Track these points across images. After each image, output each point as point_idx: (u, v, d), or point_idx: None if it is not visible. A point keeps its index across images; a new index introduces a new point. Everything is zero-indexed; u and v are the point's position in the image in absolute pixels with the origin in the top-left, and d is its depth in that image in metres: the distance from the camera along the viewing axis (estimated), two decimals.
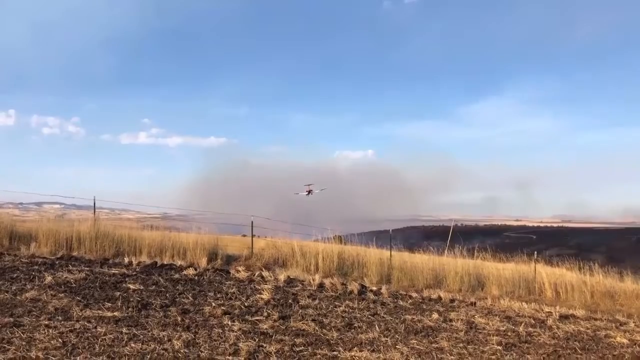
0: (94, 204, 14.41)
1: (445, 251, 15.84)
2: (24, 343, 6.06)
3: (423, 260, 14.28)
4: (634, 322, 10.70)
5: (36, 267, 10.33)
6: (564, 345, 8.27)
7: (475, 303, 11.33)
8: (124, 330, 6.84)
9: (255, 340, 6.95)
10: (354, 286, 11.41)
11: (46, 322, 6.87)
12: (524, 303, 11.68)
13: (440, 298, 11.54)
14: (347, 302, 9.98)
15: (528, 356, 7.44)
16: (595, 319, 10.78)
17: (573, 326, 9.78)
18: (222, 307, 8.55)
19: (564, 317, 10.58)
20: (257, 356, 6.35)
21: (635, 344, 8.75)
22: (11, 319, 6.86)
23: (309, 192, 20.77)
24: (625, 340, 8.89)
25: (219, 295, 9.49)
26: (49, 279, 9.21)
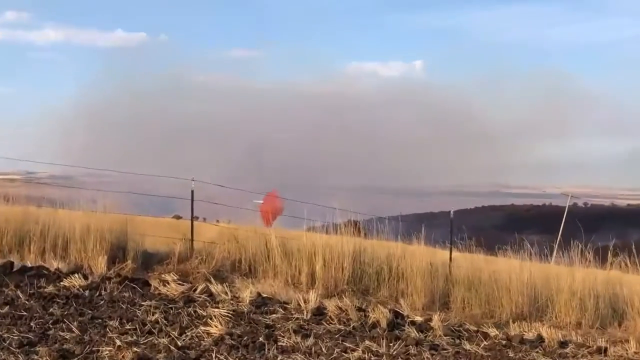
0: None
1: (554, 253, 15.80)
2: None
3: (510, 269, 14.24)
4: None
5: None
6: None
7: (606, 349, 11.35)
8: None
9: None
10: (381, 314, 11.40)
11: None
12: None
13: (541, 338, 11.55)
14: (367, 342, 9.97)
15: None
16: None
17: None
18: (135, 348, 8.53)
19: None
20: None
21: None
22: None
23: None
24: None
25: (128, 327, 9.46)
26: None
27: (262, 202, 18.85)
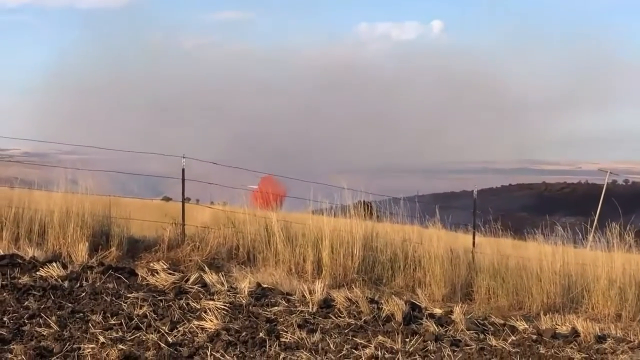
0: None
1: (590, 236, 15.78)
2: None
3: (541, 255, 14.25)
4: None
5: None
6: None
7: None
8: None
9: None
10: (395, 306, 11.42)
11: None
12: None
13: (575, 332, 11.57)
14: (381, 337, 10.00)
15: None
16: None
17: None
18: (120, 346, 8.56)
19: None
20: None
21: None
22: None
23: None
24: None
25: (113, 321, 9.49)
26: None
27: (256, 187, 18.92)
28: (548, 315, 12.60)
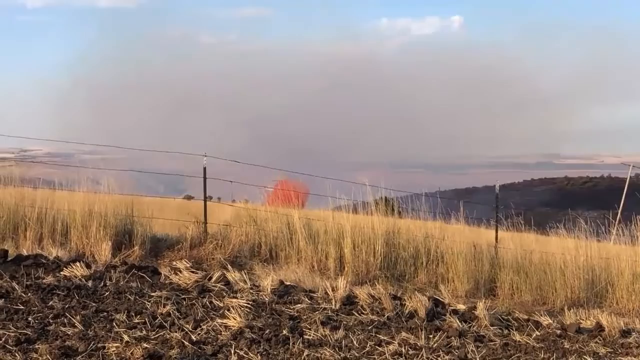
0: None
1: (613, 230, 15.67)
2: None
3: (564, 250, 14.19)
4: None
5: None
6: None
7: None
8: None
9: None
10: (418, 302, 11.40)
11: None
12: None
13: (600, 327, 11.50)
14: (404, 334, 9.99)
15: None
16: None
17: None
18: (144, 344, 8.59)
19: None
20: None
21: None
22: None
23: None
24: None
25: (137, 320, 9.52)
26: None
27: (274, 188, 18.92)
28: (572, 310, 12.56)
